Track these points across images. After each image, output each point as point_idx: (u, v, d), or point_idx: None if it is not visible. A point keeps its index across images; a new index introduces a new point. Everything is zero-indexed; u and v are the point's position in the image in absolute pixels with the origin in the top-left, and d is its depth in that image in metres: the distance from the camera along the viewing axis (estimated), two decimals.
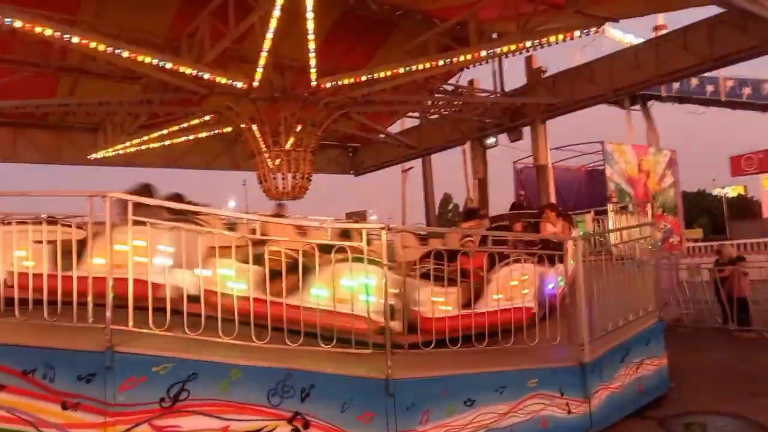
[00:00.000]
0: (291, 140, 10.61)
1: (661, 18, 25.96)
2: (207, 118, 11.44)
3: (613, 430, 5.66)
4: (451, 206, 63.17)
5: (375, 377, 4.34)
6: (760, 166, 35.97)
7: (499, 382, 4.90)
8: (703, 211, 44.06)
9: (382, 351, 4.41)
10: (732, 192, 46.17)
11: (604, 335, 5.79)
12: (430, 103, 14.11)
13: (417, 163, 20.89)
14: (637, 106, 27.91)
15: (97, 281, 4.04)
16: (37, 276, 4.18)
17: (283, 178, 10.84)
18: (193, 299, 4.32)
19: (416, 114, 16.33)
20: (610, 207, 11.74)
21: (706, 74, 24.90)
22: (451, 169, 22.49)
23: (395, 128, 18.07)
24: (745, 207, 43.87)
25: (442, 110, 14.69)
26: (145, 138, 12.59)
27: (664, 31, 15.44)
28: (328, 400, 4.18)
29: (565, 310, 5.74)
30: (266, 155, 10.62)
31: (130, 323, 4.00)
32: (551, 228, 7.36)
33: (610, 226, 10.38)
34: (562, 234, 7.09)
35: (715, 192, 46.84)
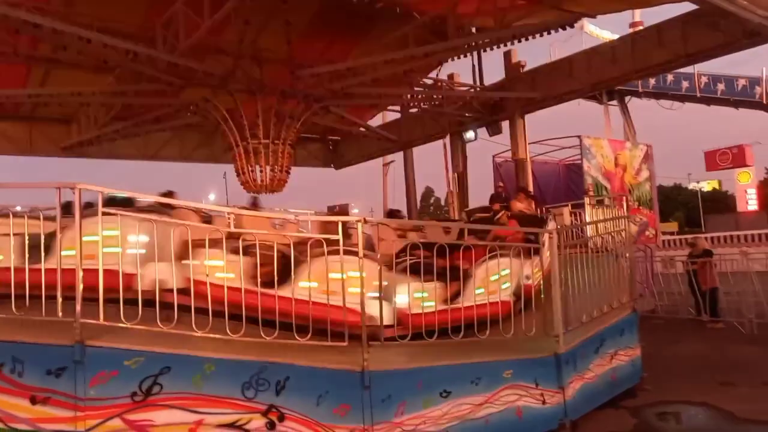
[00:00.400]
0: (270, 133, 10.50)
1: (637, 15, 26.26)
2: (183, 109, 11.27)
3: (587, 419, 5.75)
4: (432, 200, 63.49)
5: (351, 369, 4.35)
6: (734, 161, 36.71)
7: (475, 374, 4.95)
8: (678, 205, 44.87)
9: (358, 343, 4.42)
10: (707, 186, 47.02)
11: (579, 326, 5.87)
12: (409, 96, 14.10)
13: (398, 158, 20.92)
14: (615, 102, 28.28)
15: None
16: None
17: (261, 171, 10.74)
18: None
19: (397, 107, 16.31)
20: (587, 200, 11.90)
21: (681, 70, 25.32)
22: (432, 163, 22.59)
23: (376, 121, 18.04)
24: (719, 201, 44.74)
25: (422, 104, 14.69)
26: (121, 129, 12.35)
27: (640, 28, 15.63)
28: (304, 392, 4.17)
29: (541, 301, 5.80)
30: (244, 148, 10.51)
31: (101, 317, 3.93)
32: (519, 205, 8.19)
33: (587, 220, 10.52)
34: (528, 208, 8.14)
35: (691, 186, 47.69)
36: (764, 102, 27.52)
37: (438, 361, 4.84)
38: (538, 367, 5.41)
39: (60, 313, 3.91)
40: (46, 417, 3.71)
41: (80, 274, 3.91)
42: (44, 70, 11.48)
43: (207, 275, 4.38)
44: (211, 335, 4.09)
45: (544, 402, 5.36)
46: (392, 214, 7.73)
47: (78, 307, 3.85)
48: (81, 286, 3.89)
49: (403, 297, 5.13)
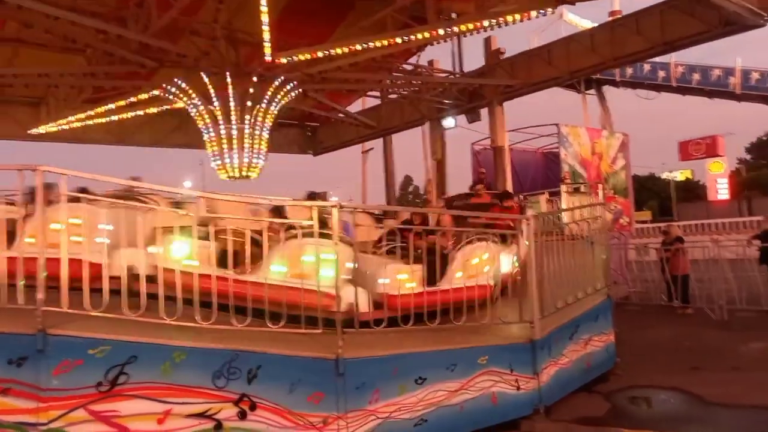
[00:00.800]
0: (245, 117, 10.29)
1: (616, 3, 26.37)
2: (156, 92, 10.96)
3: (562, 404, 5.78)
4: (411, 188, 63.54)
5: (325, 357, 4.28)
6: (706, 151, 37.45)
7: (450, 360, 4.93)
8: (652, 194, 45.53)
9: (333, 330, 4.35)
10: (680, 176, 47.85)
11: (554, 312, 5.88)
12: (388, 82, 13.97)
13: (378, 145, 20.80)
14: (592, 91, 28.46)
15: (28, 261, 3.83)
16: None
17: (237, 156, 10.53)
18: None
19: (376, 94, 16.18)
20: (563, 188, 11.97)
21: (657, 60, 25.56)
22: (412, 151, 22.49)
23: (355, 108, 17.88)
24: (691, 190, 45.58)
25: (402, 90, 14.58)
26: (91, 113, 12.00)
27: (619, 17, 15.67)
28: (276, 381, 4.09)
29: (517, 288, 5.80)
30: (219, 132, 10.29)
31: (64, 304, 3.79)
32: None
33: (563, 207, 10.57)
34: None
35: (664, 176, 48.45)
36: (737, 92, 27.97)
37: (413, 348, 4.81)
38: (514, 353, 5.41)
39: (21, 301, 3.77)
40: (7, 408, 3.57)
41: (43, 260, 3.77)
42: (11, 49, 11.08)
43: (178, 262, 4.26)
44: (181, 323, 3.98)
45: (518, 388, 5.37)
46: (312, 196, 7.08)
47: (40, 295, 3.70)
48: (44, 273, 3.74)
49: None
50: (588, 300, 6.68)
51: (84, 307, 3.83)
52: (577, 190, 12.61)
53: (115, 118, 12.46)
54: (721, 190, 37.02)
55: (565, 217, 8.15)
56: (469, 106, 14.63)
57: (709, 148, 37.28)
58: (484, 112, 14.63)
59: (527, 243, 5.75)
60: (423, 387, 4.71)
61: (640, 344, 8.27)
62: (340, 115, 15.19)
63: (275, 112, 10.97)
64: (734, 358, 7.35)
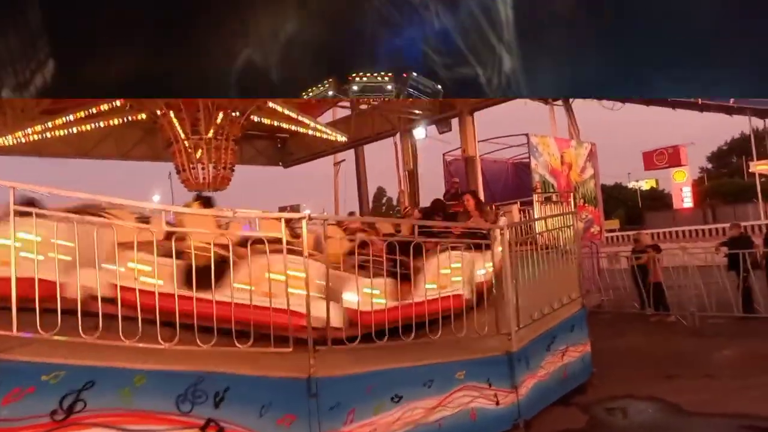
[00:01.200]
0: (212, 128, 10.04)
1: None
2: (118, 102, 10.62)
3: (540, 418, 5.68)
4: (384, 200, 63.54)
5: (296, 377, 4.09)
6: (670, 161, 38.46)
7: (427, 376, 4.78)
8: (619, 203, 46.51)
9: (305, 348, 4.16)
10: (645, 185, 49.02)
11: (531, 323, 5.80)
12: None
13: (350, 157, 20.69)
14: (560, 102, 28.88)
15: None
16: None
17: (203, 169, 10.26)
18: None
19: (347, 104, 16.08)
20: (535, 198, 12.02)
21: None
22: (385, 163, 22.39)
23: (326, 119, 17.73)
24: (657, 199, 46.74)
25: (372, 100, 14.50)
26: (50, 125, 11.54)
27: None
28: (245, 404, 3.88)
29: (493, 299, 5.70)
30: (185, 144, 10.01)
31: (14, 327, 3.53)
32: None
33: (536, 217, 10.59)
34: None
35: (630, 185, 49.59)
36: (698, 102, 28.74)
37: (388, 364, 4.64)
38: (491, 367, 5.29)
39: None
40: None
41: None
42: None
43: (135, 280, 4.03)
44: (141, 344, 3.75)
45: (497, 402, 5.25)
46: (206, 201, 6.60)
47: None
48: None
49: None
50: (563, 310, 6.63)
51: (36, 330, 3.58)
52: (548, 200, 12.68)
53: (75, 130, 12.02)
54: (686, 199, 38.02)
55: (539, 226, 8.13)
56: (440, 116, 14.67)
57: (672, 157, 38.29)
58: (455, 122, 14.68)
59: (501, 250, 5.68)
60: (400, 405, 4.54)
61: (615, 353, 8.24)
62: (311, 125, 15.00)
63: (243, 122, 10.75)
64: (708, 366, 7.39)
